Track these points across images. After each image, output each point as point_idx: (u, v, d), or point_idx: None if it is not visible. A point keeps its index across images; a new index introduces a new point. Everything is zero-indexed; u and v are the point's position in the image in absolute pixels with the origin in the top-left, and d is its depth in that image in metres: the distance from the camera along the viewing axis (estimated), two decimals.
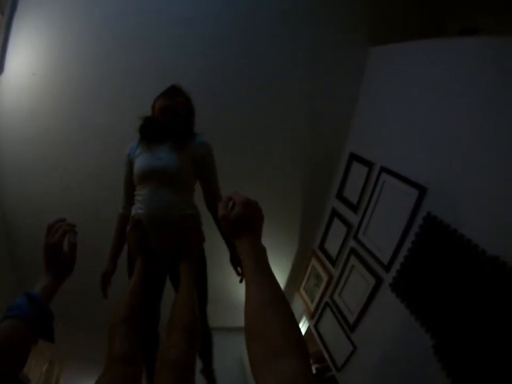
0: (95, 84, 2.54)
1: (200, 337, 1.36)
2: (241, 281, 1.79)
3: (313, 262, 3.22)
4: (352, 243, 2.65)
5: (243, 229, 0.83)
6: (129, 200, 1.77)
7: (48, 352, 4.18)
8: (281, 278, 3.55)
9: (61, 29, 2.38)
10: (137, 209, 1.66)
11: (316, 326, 2.99)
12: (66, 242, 1.01)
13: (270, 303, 0.67)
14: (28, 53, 2.42)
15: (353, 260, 2.58)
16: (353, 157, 2.80)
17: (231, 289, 3.35)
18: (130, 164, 1.72)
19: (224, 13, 2.50)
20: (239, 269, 1.87)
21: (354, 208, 2.70)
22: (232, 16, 2.52)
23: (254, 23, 2.55)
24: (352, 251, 2.61)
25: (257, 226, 0.85)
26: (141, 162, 1.63)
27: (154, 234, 1.65)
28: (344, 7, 2.61)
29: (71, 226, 1.02)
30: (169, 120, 1.65)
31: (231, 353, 3.37)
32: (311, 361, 3.49)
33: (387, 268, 2.18)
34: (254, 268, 0.75)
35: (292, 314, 0.67)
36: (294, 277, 3.53)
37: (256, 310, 0.67)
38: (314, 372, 3.43)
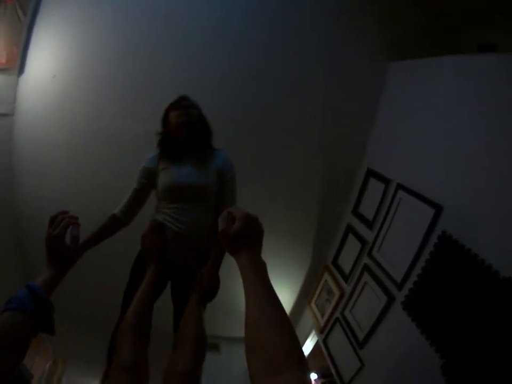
0: (116, 87, 2.56)
1: (205, 351, 1.38)
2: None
3: (326, 276, 3.20)
4: (366, 259, 2.63)
5: (243, 244, 0.82)
6: (130, 208, 1.69)
7: (52, 350, 4.21)
8: (292, 291, 3.53)
9: (83, 31, 2.41)
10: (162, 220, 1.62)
11: (324, 341, 2.96)
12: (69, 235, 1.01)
13: (271, 318, 0.67)
14: (49, 55, 2.45)
15: (366, 277, 2.56)
16: (370, 173, 2.80)
17: (241, 300, 3.36)
18: (150, 176, 1.67)
19: (247, 20, 2.55)
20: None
21: (369, 224, 2.69)
22: (257, 15, 2.56)
23: (281, 22, 2.57)
24: (366, 267, 2.59)
25: (257, 241, 0.85)
26: (166, 178, 1.60)
27: (177, 249, 1.63)
28: (363, 22, 2.63)
29: (74, 219, 1.02)
30: (188, 136, 1.62)
31: (237, 364, 3.35)
32: (318, 376, 3.45)
33: (400, 286, 2.15)
34: (255, 283, 0.75)
35: (292, 329, 0.68)
36: (306, 291, 3.50)
37: (257, 324, 0.67)
38: None
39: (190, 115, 1.61)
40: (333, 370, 2.72)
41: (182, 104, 1.63)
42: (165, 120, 1.68)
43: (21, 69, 2.42)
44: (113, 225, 1.68)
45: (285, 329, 0.66)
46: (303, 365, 0.60)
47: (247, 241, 0.83)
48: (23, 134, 2.66)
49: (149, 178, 1.67)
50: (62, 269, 0.98)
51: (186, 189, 1.58)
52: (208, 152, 1.68)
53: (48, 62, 2.48)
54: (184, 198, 1.59)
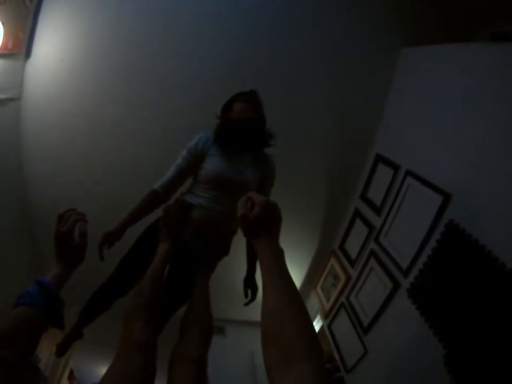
0: (123, 72, 2.54)
1: (212, 335, 1.39)
2: (246, 304, 1.83)
3: (332, 261, 3.19)
4: (372, 245, 2.61)
5: (262, 230, 0.82)
6: (171, 184, 1.66)
7: (60, 334, 4.28)
8: (298, 275, 3.55)
9: (91, 15, 2.38)
10: (191, 201, 1.62)
11: (329, 325, 2.98)
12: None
13: (286, 308, 0.67)
14: (56, 39, 2.42)
15: (372, 262, 2.54)
16: (379, 158, 2.75)
17: None
18: (199, 157, 1.63)
19: (255, 6, 2.48)
20: (249, 291, 1.86)
21: (377, 210, 2.65)
22: (262, 11, 2.50)
23: (285, 19, 2.52)
24: (372, 253, 2.57)
25: (276, 228, 0.85)
26: (216, 167, 1.58)
27: (199, 233, 1.63)
28: (377, 6, 2.53)
29: (82, 215, 1.03)
30: (248, 133, 1.59)
31: (243, 347, 3.39)
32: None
33: (405, 273, 2.13)
34: (272, 270, 0.75)
35: (309, 318, 0.68)
36: (312, 275, 3.51)
37: (273, 313, 0.67)
38: None
39: (257, 113, 1.61)
40: (336, 356, 2.75)
41: (252, 99, 1.63)
42: (228, 107, 1.67)
43: (27, 54, 2.41)
44: (154, 200, 1.66)
45: (301, 319, 0.66)
46: (319, 354, 0.60)
47: (266, 227, 0.83)
48: (30, 118, 2.66)
49: (197, 158, 1.63)
50: (71, 264, 1.00)
51: (234, 184, 1.58)
52: (261, 154, 1.71)
53: (55, 46, 2.46)
54: (228, 190, 1.59)
